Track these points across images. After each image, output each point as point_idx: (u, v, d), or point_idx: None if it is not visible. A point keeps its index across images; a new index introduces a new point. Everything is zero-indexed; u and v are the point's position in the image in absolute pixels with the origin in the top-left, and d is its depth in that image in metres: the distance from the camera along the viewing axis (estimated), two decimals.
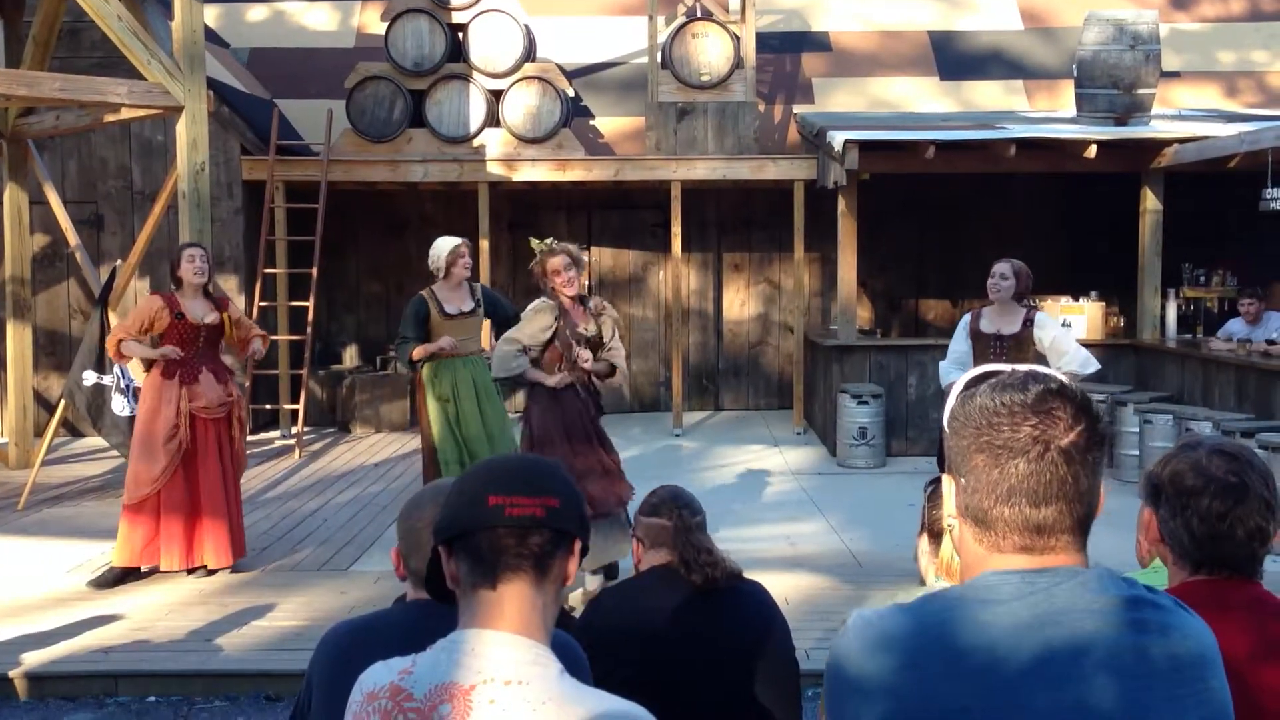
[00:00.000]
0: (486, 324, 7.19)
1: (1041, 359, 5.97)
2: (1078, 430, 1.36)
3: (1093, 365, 6.05)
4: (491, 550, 1.51)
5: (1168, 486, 1.93)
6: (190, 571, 6.49)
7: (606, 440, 6.20)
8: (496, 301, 6.92)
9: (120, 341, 6.43)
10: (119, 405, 7.75)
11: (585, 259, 6.17)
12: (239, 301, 11.12)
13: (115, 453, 8.37)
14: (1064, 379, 1.42)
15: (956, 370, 6.00)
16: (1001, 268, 6.10)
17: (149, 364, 6.52)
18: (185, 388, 6.40)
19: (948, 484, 1.46)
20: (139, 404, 6.62)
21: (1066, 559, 1.38)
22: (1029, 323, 6.09)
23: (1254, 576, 1.94)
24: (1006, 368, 1.46)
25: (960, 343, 6.18)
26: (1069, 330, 6.18)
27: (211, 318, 6.49)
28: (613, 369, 6.19)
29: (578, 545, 1.56)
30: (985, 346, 6.05)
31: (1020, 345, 6.01)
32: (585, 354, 5.96)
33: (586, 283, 13.01)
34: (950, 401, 1.46)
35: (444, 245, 6.65)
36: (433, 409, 6.57)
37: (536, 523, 1.51)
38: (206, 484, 6.41)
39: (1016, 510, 1.36)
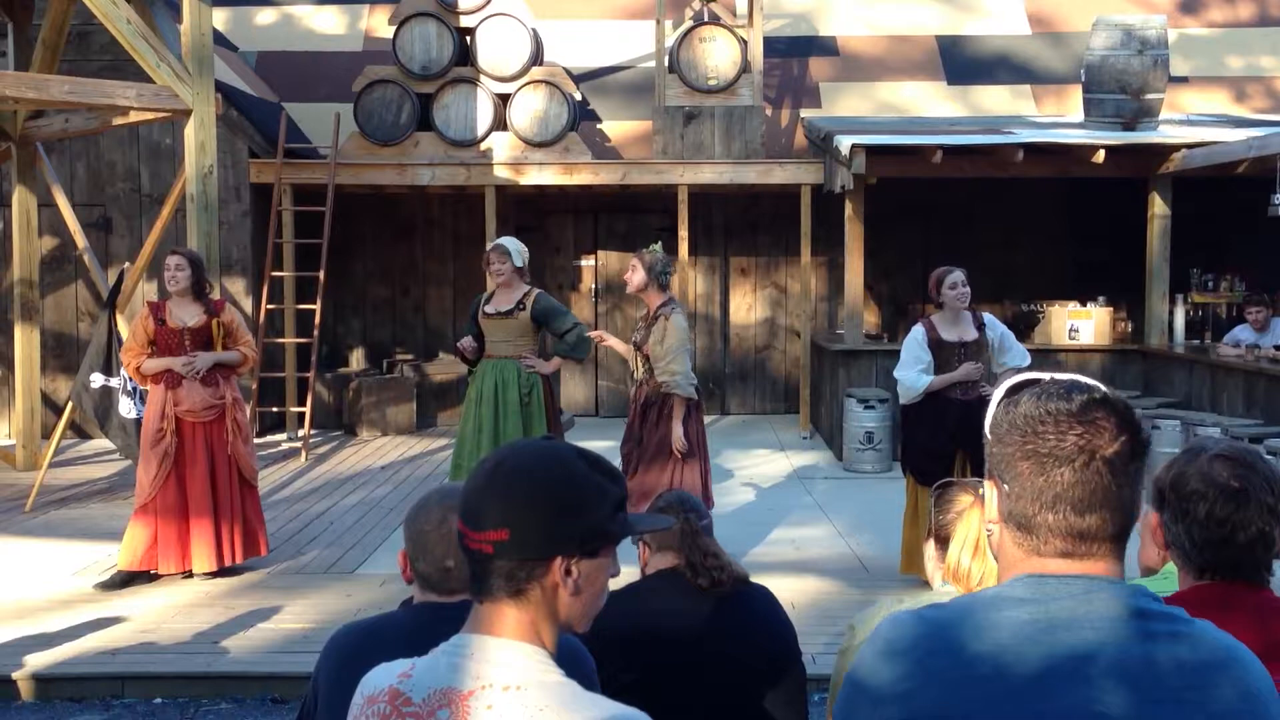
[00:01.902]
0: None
1: (990, 359, 6.21)
2: (1121, 440, 1.38)
3: (1027, 359, 6.32)
4: (470, 570, 1.52)
5: (1170, 491, 1.93)
6: (188, 575, 6.48)
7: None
8: (549, 312, 6.55)
9: (138, 368, 6.40)
10: (125, 408, 7.76)
11: (633, 263, 6.20)
12: (245, 304, 11.15)
13: (122, 455, 8.37)
14: (1105, 389, 1.43)
15: (927, 378, 6.05)
16: (960, 276, 6.16)
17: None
18: (170, 392, 6.36)
19: (990, 489, 1.48)
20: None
21: (1104, 567, 1.40)
22: (981, 326, 6.22)
23: (1260, 582, 1.93)
24: (1045, 376, 1.48)
25: (923, 353, 6.18)
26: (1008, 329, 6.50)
27: (195, 321, 6.41)
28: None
29: (558, 561, 1.48)
30: (950, 354, 6.12)
31: (980, 349, 6.16)
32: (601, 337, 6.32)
33: (595, 285, 13.04)
34: (992, 409, 1.48)
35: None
36: (464, 408, 6.64)
37: (488, 557, 1.48)
38: (194, 488, 6.36)
39: (1061, 517, 1.38)
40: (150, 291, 11.31)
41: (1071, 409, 1.39)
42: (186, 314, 6.43)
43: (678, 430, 5.94)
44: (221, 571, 6.48)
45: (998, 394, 1.49)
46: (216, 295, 6.74)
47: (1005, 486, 1.43)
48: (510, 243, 6.57)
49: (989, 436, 1.47)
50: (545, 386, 6.57)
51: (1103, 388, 1.43)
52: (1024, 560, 1.42)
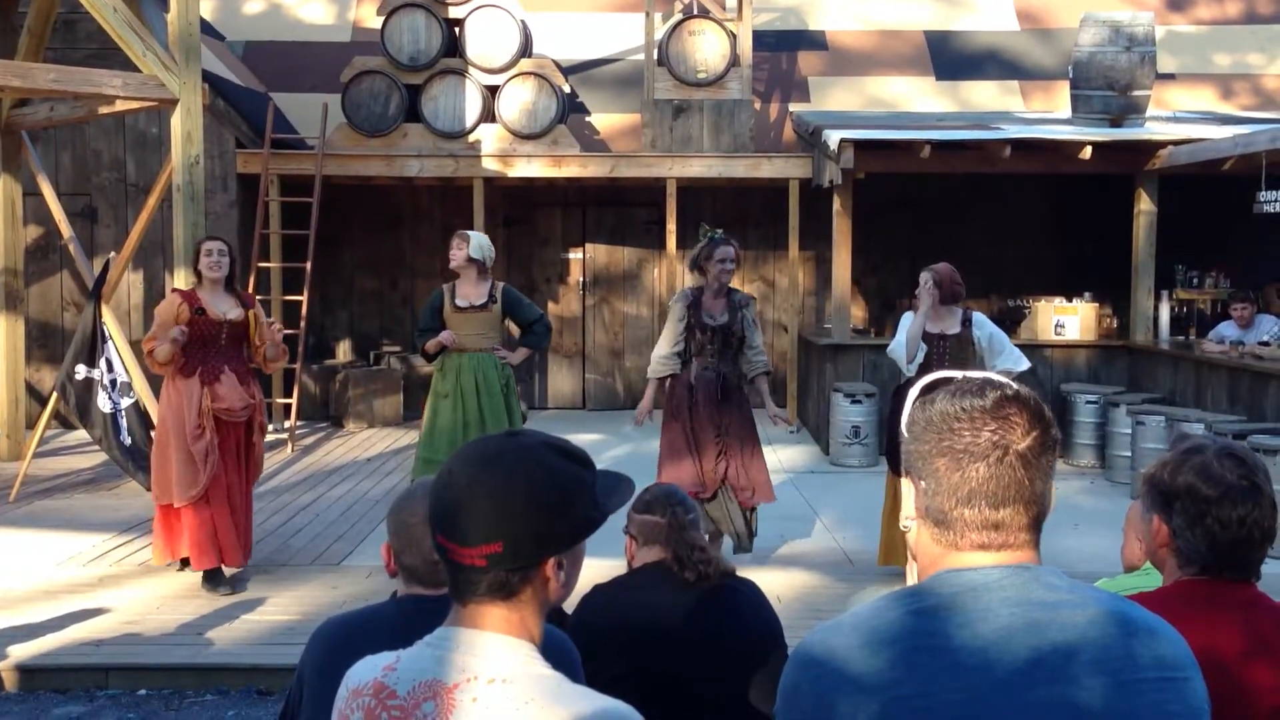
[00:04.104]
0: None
1: (979, 359, 6.18)
2: (1034, 435, 1.42)
3: (1025, 363, 6.26)
4: (451, 578, 1.49)
5: (1184, 497, 1.91)
6: (183, 565, 6.38)
7: (731, 431, 6.24)
8: (517, 303, 6.69)
9: (149, 352, 6.00)
10: (103, 401, 7.72)
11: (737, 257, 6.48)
12: None
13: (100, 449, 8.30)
14: (1018, 386, 1.46)
15: (912, 349, 6.10)
16: (924, 276, 6.20)
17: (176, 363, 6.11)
18: (206, 388, 6.03)
19: (907, 487, 1.50)
20: (161, 405, 6.24)
21: (1023, 556, 1.43)
22: (967, 322, 6.25)
23: (1256, 578, 1.94)
24: (959, 374, 1.50)
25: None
26: (1002, 330, 6.43)
27: (235, 314, 6.13)
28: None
29: (552, 562, 1.47)
30: (931, 345, 6.16)
31: (962, 345, 6.19)
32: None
33: (582, 278, 13.02)
34: (908, 408, 1.50)
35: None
36: (430, 403, 6.58)
37: (480, 571, 1.45)
38: (230, 486, 6.12)
39: (977, 512, 1.42)
40: (136, 282, 11.28)
41: (985, 405, 1.42)
42: (224, 305, 6.14)
43: (774, 406, 6.44)
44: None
45: (912, 393, 1.52)
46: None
47: (923, 483, 1.46)
48: (473, 234, 6.64)
49: (905, 435, 1.49)
50: (514, 377, 6.75)
51: (1014, 384, 1.46)
52: (943, 555, 1.45)
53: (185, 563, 6.39)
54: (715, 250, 6.27)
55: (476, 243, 6.54)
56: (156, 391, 10.11)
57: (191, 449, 5.99)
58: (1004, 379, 1.47)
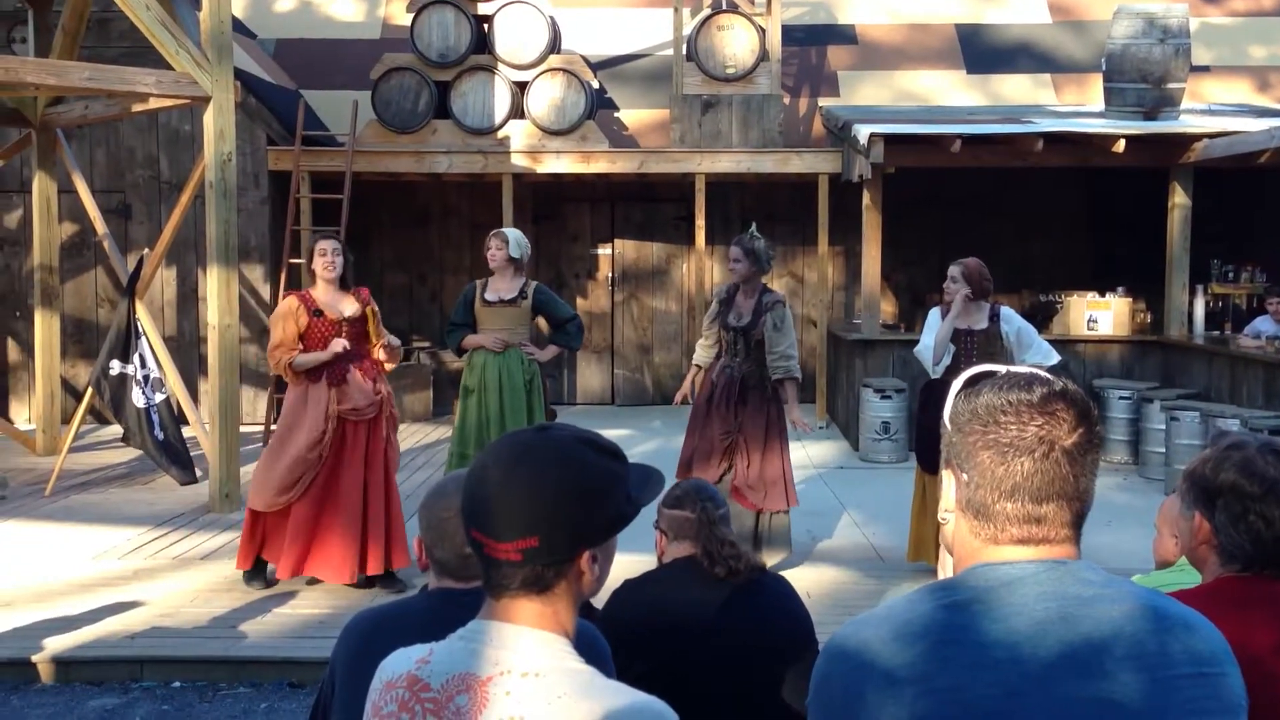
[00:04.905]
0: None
1: (1008, 353, 6.09)
2: (1080, 432, 1.41)
3: (1055, 357, 6.17)
4: (485, 573, 1.49)
5: (1227, 493, 1.89)
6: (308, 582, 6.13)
7: (746, 431, 6.20)
8: (550, 302, 6.70)
9: (289, 363, 5.80)
10: (137, 396, 7.79)
11: (770, 256, 6.47)
12: (263, 291, 11.19)
13: (133, 444, 8.38)
14: (1064, 381, 1.46)
15: (936, 351, 6.05)
16: (953, 271, 6.15)
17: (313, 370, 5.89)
18: (333, 389, 5.85)
19: (948, 479, 1.49)
20: (284, 411, 6.01)
21: (1062, 551, 1.43)
22: (995, 317, 6.19)
23: None
24: (1002, 369, 1.49)
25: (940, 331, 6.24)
26: (1031, 325, 6.34)
27: (351, 311, 5.95)
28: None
29: (586, 555, 1.47)
30: (958, 341, 6.12)
31: (990, 340, 6.12)
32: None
33: (611, 274, 13.02)
34: (951, 399, 1.50)
35: None
36: (460, 397, 6.63)
37: (516, 565, 1.45)
38: (347, 494, 5.87)
39: (1019, 505, 1.41)
40: (169, 278, 11.38)
41: (1032, 400, 1.42)
42: (341, 304, 5.96)
43: (797, 412, 6.36)
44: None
45: (956, 385, 1.51)
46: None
47: (964, 476, 1.45)
48: (511, 233, 6.67)
49: (948, 426, 1.48)
50: (541, 373, 6.74)
51: (1061, 380, 1.46)
52: (981, 549, 1.44)
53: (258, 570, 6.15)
54: (730, 250, 6.40)
55: (515, 241, 6.58)
56: (190, 387, 10.21)
57: (307, 455, 5.81)
58: (1049, 375, 1.46)
